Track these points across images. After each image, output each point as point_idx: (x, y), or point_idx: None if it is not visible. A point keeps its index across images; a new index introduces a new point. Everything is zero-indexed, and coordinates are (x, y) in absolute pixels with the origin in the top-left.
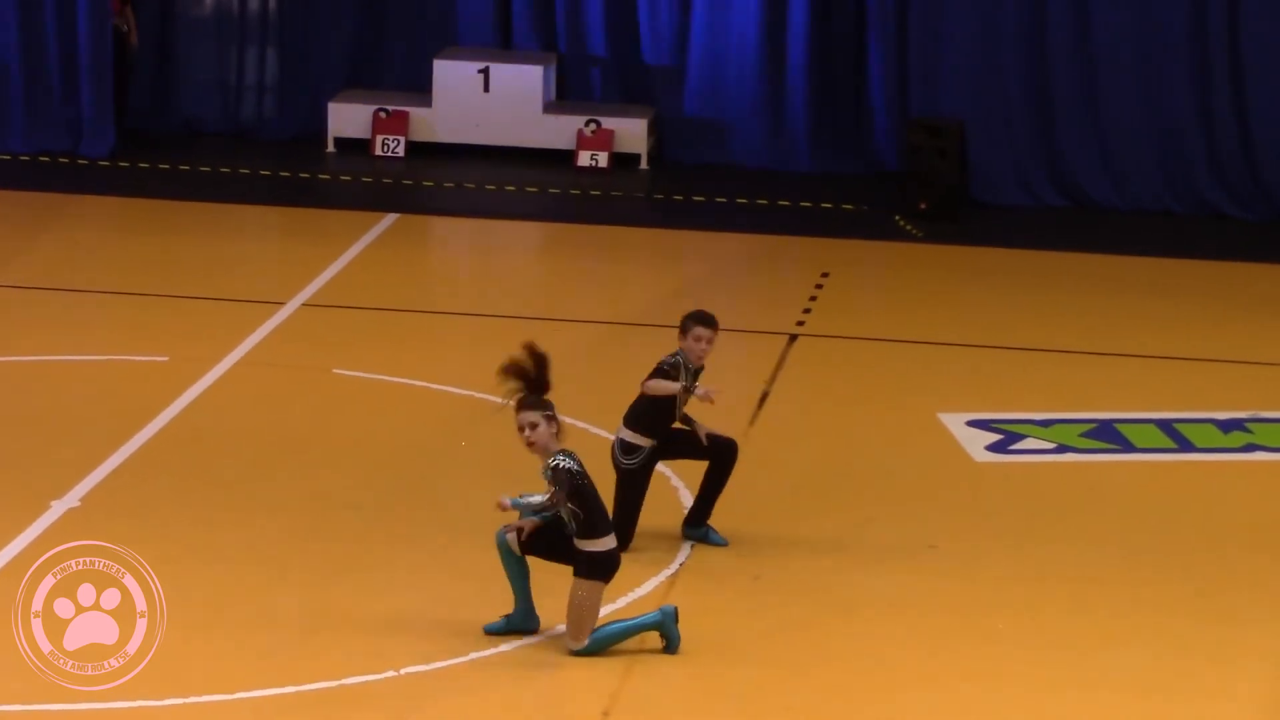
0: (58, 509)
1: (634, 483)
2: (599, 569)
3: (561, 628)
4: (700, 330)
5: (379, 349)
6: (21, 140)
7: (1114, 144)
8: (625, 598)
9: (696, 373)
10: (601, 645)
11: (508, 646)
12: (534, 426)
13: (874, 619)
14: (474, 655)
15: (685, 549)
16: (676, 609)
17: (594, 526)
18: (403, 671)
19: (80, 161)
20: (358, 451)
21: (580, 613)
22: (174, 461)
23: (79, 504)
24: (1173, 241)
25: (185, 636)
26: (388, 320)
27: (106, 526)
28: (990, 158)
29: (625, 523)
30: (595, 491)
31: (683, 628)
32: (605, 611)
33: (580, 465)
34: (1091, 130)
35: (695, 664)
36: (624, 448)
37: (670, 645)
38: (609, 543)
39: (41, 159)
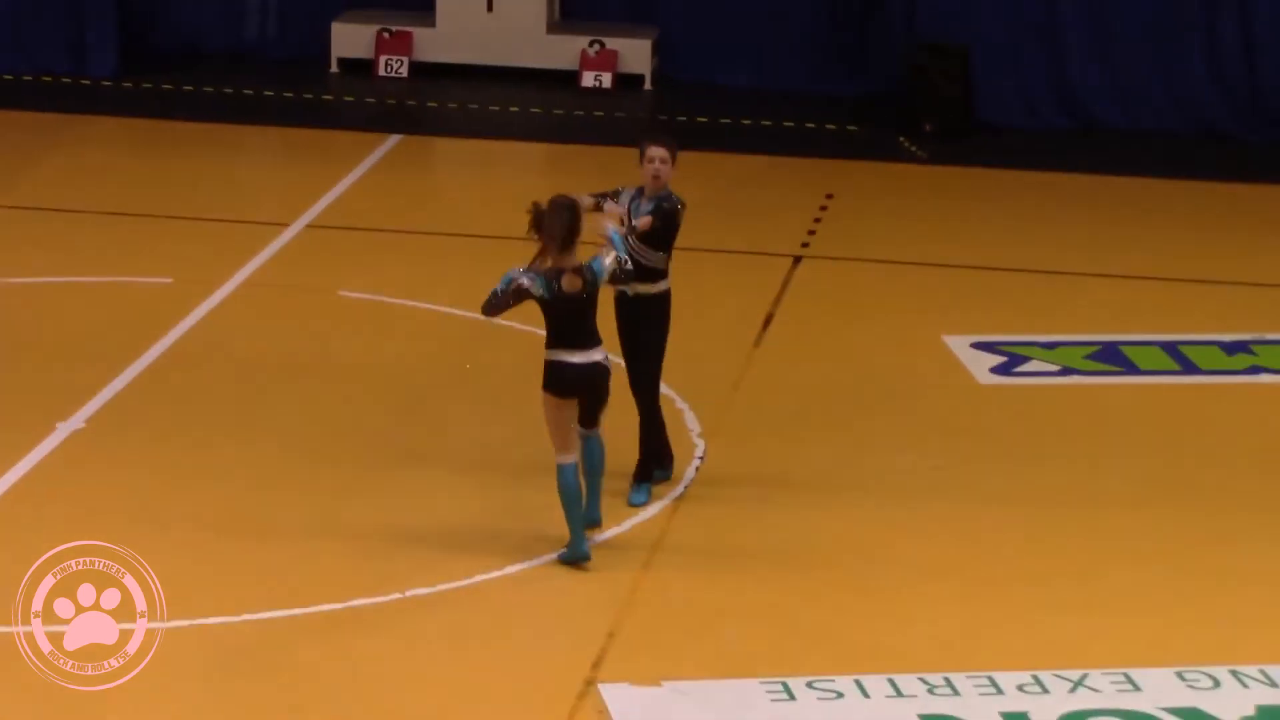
0: (62, 431)
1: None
2: None
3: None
4: (651, 150)
5: (383, 270)
6: (24, 60)
7: (1120, 65)
8: (631, 520)
9: (653, 202)
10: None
11: (513, 568)
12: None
13: (878, 541)
14: (479, 577)
15: (690, 471)
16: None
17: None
18: (408, 593)
19: (83, 82)
20: (363, 373)
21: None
22: (178, 383)
23: (84, 426)
24: (1178, 163)
25: (192, 559)
26: (392, 241)
27: (111, 448)
28: (995, 78)
29: None
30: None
31: (688, 547)
32: (613, 532)
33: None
34: (1097, 51)
35: (700, 585)
36: None
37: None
38: None
39: (44, 79)
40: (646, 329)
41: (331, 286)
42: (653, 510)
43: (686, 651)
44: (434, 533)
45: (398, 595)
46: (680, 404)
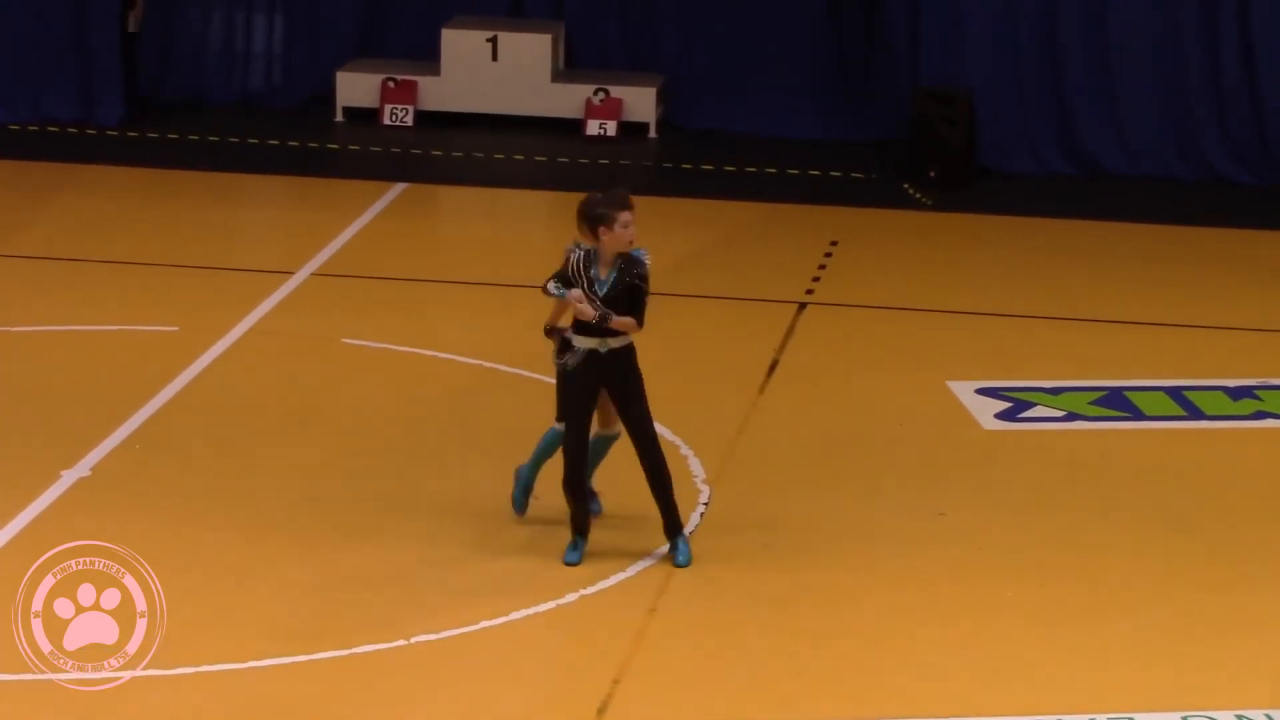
0: (68, 479)
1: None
2: None
3: (571, 596)
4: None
5: (388, 318)
6: (30, 109)
7: (1124, 111)
8: (635, 565)
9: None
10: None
11: (518, 614)
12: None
13: (883, 587)
14: (484, 624)
15: (695, 517)
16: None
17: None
18: (413, 640)
19: (89, 131)
20: (368, 421)
21: None
22: (184, 431)
23: (89, 474)
24: (1182, 209)
25: (196, 606)
26: (397, 290)
27: (117, 496)
28: (1000, 125)
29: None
30: None
31: (694, 592)
32: (618, 577)
33: None
34: (1102, 98)
35: (706, 632)
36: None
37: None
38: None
39: (50, 128)
40: (634, 380)
41: (336, 334)
42: (658, 556)
43: (692, 697)
44: (438, 579)
45: (402, 642)
46: (685, 450)
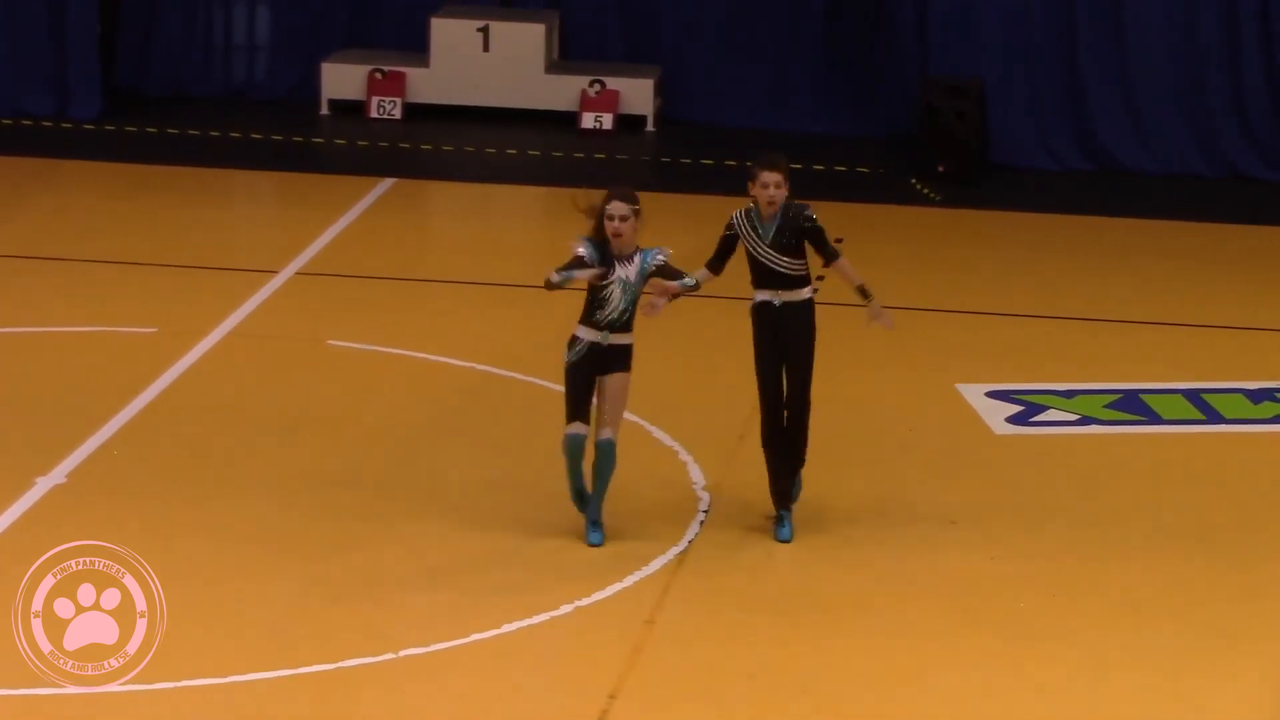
0: (43, 485)
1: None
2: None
3: (566, 608)
4: (765, 175)
5: (375, 319)
6: (3, 102)
7: (1140, 105)
8: (634, 575)
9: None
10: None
11: (510, 626)
12: (624, 219)
13: (891, 598)
14: (476, 636)
15: (695, 525)
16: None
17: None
18: (402, 653)
19: (65, 125)
20: (353, 425)
21: (624, 401)
22: (163, 436)
23: (65, 480)
24: (1201, 205)
25: (176, 619)
26: (384, 289)
27: (93, 504)
28: (1012, 119)
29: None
30: None
31: (693, 604)
32: (615, 588)
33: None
34: (1117, 91)
35: (707, 643)
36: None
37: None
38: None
39: (25, 122)
40: (795, 337)
41: (321, 336)
42: (656, 565)
43: (691, 713)
44: (428, 590)
45: (390, 655)
46: (684, 455)
